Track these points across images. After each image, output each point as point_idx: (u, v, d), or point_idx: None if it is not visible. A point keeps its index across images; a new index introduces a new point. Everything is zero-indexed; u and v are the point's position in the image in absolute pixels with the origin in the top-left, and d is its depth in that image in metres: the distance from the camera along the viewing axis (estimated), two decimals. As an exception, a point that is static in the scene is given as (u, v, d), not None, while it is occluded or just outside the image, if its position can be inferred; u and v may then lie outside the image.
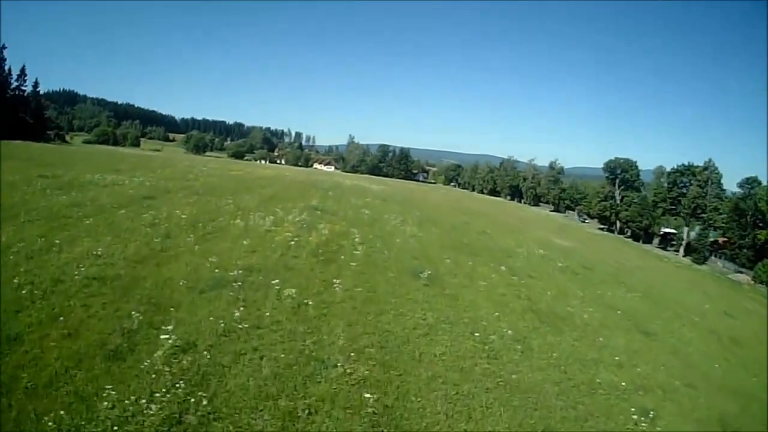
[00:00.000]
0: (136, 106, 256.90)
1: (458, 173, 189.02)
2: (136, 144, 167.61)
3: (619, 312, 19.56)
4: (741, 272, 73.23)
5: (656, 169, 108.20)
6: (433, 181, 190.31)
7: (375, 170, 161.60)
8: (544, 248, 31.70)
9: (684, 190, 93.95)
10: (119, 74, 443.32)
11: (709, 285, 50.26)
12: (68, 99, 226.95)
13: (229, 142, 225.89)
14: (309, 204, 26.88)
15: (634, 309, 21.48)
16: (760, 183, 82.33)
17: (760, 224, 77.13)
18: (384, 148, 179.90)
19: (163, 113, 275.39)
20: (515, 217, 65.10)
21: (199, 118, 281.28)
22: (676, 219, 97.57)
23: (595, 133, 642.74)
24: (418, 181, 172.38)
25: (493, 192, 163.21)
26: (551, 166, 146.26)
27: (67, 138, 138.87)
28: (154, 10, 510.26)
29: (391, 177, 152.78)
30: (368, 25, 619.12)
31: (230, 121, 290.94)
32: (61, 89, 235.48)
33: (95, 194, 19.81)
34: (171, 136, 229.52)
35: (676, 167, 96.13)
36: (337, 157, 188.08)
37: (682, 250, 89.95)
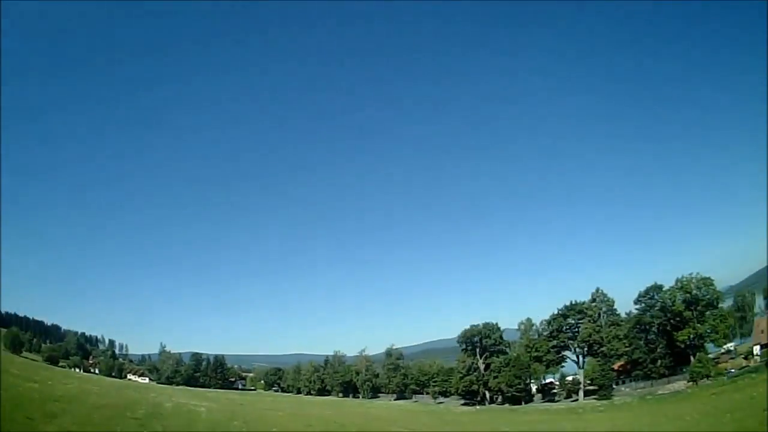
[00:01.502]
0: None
1: (279, 377, 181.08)
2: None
3: None
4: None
5: (523, 323, 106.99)
6: (252, 387, 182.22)
7: (191, 381, 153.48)
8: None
9: (571, 333, 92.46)
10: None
11: (696, 416, 44.99)
12: None
13: (48, 344, 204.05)
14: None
15: None
16: (661, 288, 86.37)
17: (678, 326, 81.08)
18: (197, 357, 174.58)
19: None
20: (390, 421, 60.18)
21: (21, 314, 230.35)
22: (563, 366, 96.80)
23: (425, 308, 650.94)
24: (237, 389, 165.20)
25: (323, 391, 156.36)
26: (388, 353, 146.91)
27: None
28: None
29: (209, 387, 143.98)
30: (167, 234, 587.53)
31: (49, 321, 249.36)
32: None
33: None
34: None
35: (557, 311, 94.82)
36: (151, 367, 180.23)
37: (581, 393, 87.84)
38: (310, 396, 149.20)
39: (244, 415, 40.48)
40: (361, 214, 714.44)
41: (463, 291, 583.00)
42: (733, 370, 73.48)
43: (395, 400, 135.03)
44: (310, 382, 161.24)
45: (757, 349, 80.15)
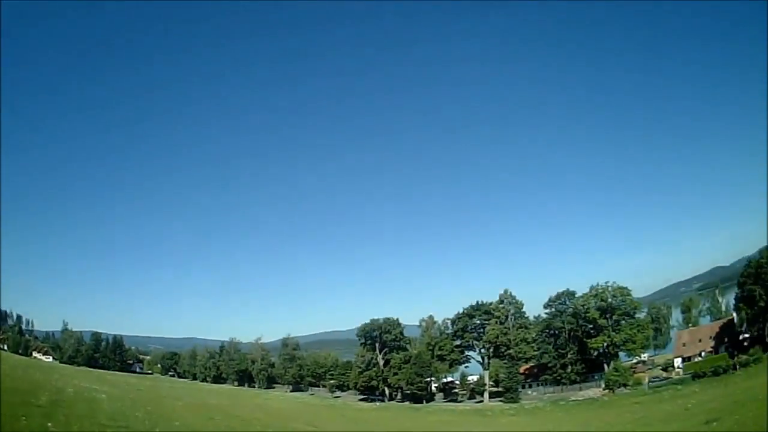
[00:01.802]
0: None
1: (175, 361, 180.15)
2: None
3: None
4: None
5: (425, 321, 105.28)
6: (149, 371, 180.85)
7: (91, 361, 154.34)
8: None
9: (476, 333, 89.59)
10: None
11: (627, 425, 42.30)
12: None
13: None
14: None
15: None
16: (574, 294, 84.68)
17: (591, 333, 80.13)
18: (96, 336, 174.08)
19: None
20: (291, 416, 57.58)
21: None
22: (467, 367, 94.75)
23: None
24: (135, 372, 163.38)
25: (218, 379, 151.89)
26: (284, 343, 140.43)
27: None
28: None
29: (108, 369, 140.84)
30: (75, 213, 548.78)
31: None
32: None
33: None
34: None
35: (463, 310, 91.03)
36: (54, 345, 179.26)
37: (486, 395, 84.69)
38: (206, 383, 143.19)
39: (145, 403, 38.85)
40: (263, 202, 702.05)
41: (359, 283, 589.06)
42: (660, 379, 72.29)
43: (291, 391, 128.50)
44: (206, 369, 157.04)
45: (678, 362, 79.47)
